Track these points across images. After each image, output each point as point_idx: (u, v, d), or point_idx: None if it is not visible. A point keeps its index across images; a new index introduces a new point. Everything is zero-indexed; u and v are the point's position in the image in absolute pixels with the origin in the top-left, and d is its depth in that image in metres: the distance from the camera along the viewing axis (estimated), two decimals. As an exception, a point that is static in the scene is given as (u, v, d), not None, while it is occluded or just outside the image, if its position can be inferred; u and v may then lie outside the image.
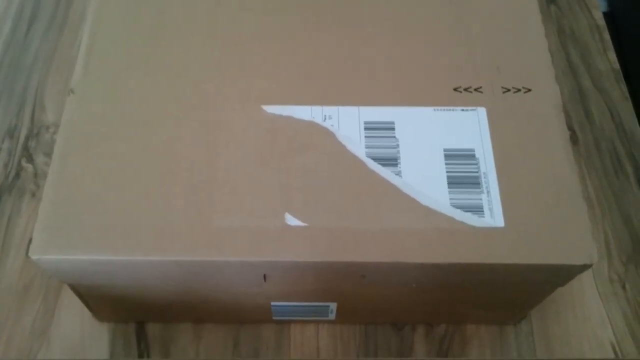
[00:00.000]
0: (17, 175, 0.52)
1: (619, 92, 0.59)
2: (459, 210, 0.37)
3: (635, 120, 0.57)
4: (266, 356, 0.46)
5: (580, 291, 0.48)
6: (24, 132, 0.55)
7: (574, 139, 0.56)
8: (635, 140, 0.56)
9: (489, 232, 0.37)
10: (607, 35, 0.62)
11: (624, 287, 0.49)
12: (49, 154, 0.53)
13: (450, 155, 0.39)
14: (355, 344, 0.46)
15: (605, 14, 0.65)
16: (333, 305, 0.43)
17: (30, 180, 0.52)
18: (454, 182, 0.38)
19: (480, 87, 0.42)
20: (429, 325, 0.47)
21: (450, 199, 0.38)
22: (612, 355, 0.46)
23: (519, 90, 0.42)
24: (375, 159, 0.39)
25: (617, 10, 0.97)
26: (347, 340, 0.46)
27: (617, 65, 0.60)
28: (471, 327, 0.47)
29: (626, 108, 0.58)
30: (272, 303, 0.43)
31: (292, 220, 0.37)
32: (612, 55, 0.61)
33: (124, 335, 0.46)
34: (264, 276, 0.38)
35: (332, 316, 0.45)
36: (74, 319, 0.46)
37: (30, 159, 0.53)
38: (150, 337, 0.46)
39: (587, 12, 0.64)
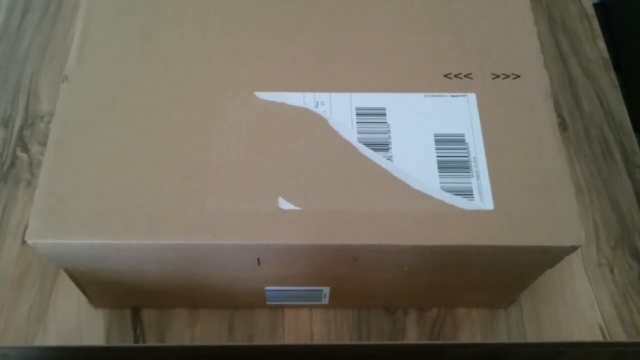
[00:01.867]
0: (12, 164, 0.53)
1: (608, 80, 0.59)
2: (449, 194, 0.38)
3: (624, 108, 0.58)
4: (260, 341, 0.46)
5: (570, 275, 0.49)
6: (18, 122, 0.55)
7: (563, 126, 0.57)
8: (623, 127, 0.57)
9: (479, 214, 0.37)
10: (596, 24, 0.63)
11: (612, 271, 0.50)
12: (43, 143, 0.53)
13: (441, 140, 0.40)
14: (348, 328, 0.47)
15: (597, 5, 0.65)
16: (326, 290, 0.44)
17: (25, 169, 0.52)
18: (444, 167, 0.39)
19: (470, 74, 0.43)
20: (421, 310, 0.48)
21: (441, 182, 0.38)
22: (601, 338, 0.47)
23: (508, 76, 0.42)
24: (366, 144, 0.40)
25: (609, 1, 0.98)
26: (341, 325, 0.47)
27: (606, 54, 0.61)
28: (462, 311, 0.48)
29: (615, 96, 0.59)
30: (266, 288, 0.43)
31: (285, 204, 0.37)
32: (602, 44, 0.62)
33: (119, 321, 0.46)
34: (258, 260, 0.39)
35: (325, 301, 0.46)
36: (70, 306, 0.47)
37: (25, 148, 0.54)
38: (145, 323, 0.46)
39: (577, 0, 0.65)
